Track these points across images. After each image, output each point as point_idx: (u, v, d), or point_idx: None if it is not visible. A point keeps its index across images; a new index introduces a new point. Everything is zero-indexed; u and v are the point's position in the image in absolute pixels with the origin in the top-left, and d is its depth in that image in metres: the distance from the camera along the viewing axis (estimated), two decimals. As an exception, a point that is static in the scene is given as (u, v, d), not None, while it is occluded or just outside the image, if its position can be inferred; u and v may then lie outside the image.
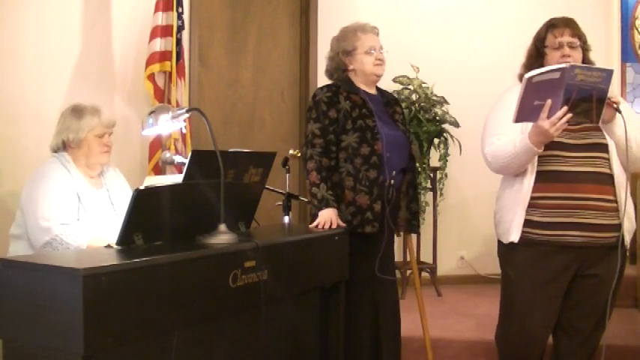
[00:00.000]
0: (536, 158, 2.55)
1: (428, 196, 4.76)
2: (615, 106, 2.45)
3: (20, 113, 3.38)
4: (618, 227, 2.51)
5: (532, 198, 2.56)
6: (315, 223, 2.79)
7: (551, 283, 2.59)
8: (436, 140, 4.72)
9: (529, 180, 2.56)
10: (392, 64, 4.74)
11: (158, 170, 3.66)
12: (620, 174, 2.53)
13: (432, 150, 4.74)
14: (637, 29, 5.47)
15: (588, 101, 2.37)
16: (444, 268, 5.03)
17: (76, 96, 3.39)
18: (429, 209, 4.78)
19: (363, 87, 3.01)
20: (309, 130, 2.92)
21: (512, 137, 2.54)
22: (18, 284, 1.86)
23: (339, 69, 3.03)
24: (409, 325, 3.37)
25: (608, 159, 2.53)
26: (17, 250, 2.72)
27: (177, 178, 2.71)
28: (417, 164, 4.62)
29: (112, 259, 1.95)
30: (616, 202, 2.52)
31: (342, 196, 2.86)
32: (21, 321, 1.84)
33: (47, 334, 1.79)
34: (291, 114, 4.92)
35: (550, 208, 2.54)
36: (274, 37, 4.85)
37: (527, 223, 2.57)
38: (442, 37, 5.14)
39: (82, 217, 2.72)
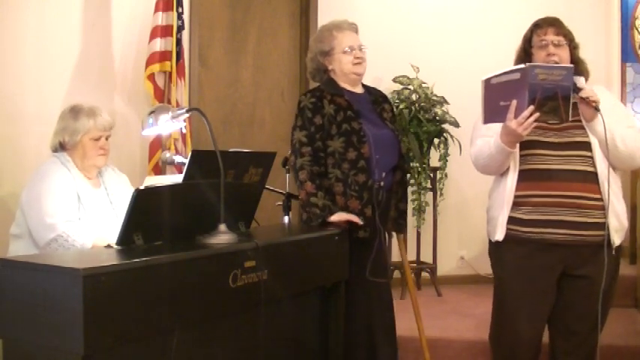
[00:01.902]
0: (518, 157, 2.59)
1: (428, 196, 4.76)
2: (594, 104, 2.46)
3: (20, 113, 3.38)
4: (605, 226, 2.51)
5: (516, 196, 2.59)
6: (335, 219, 2.75)
7: (537, 281, 2.60)
8: (436, 140, 4.72)
9: (512, 179, 2.60)
10: (392, 64, 4.80)
11: (158, 170, 3.66)
12: (606, 172, 2.52)
13: (432, 150, 4.74)
14: (637, 29, 5.47)
15: (554, 99, 2.39)
16: (444, 268, 5.03)
17: (76, 96, 3.39)
18: (429, 209, 4.79)
19: (346, 87, 2.96)
20: (295, 138, 2.86)
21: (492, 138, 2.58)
22: (18, 284, 1.86)
23: (319, 70, 2.99)
24: (409, 325, 3.37)
25: (592, 157, 2.54)
26: (17, 250, 2.72)
27: (177, 178, 2.71)
28: (417, 164, 4.64)
29: (112, 259, 1.95)
30: (602, 200, 2.52)
31: (333, 202, 2.81)
32: (21, 321, 1.84)
33: (47, 334, 1.79)
34: (291, 114, 4.85)
35: (534, 206, 2.56)
36: (274, 37, 4.85)
37: (513, 221, 2.60)
38: (442, 37, 5.15)
39: (82, 217, 2.72)
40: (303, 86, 4.92)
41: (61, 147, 2.83)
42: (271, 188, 3.01)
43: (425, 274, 4.89)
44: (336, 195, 2.83)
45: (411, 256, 4.63)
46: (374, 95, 3.05)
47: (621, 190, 2.63)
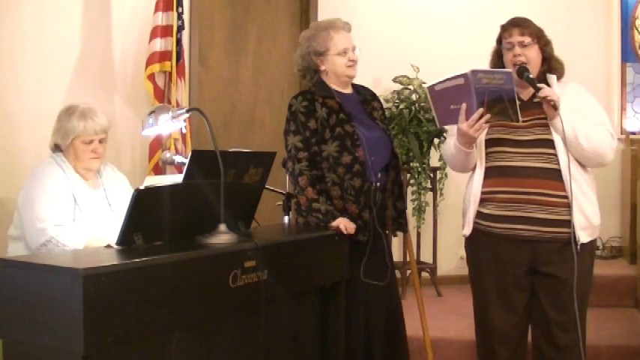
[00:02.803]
0: (483, 155, 2.67)
1: (428, 196, 4.76)
2: (552, 104, 2.50)
3: (20, 114, 3.38)
4: (570, 223, 2.53)
5: (483, 193, 2.67)
6: (335, 224, 2.74)
7: (506, 275, 2.65)
8: (436, 140, 4.72)
9: (479, 176, 2.69)
10: (392, 64, 4.80)
11: (158, 170, 3.66)
12: (571, 169, 2.53)
13: (432, 150, 4.74)
14: (637, 29, 5.47)
15: (501, 102, 2.48)
16: (444, 268, 5.03)
17: (76, 96, 3.39)
18: (429, 209, 4.78)
19: (337, 88, 2.92)
20: (290, 143, 2.81)
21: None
22: (18, 284, 1.86)
23: (310, 69, 2.94)
24: (409, 325, 3.37)
25: (555, 154, 2.56)
26: (16, 251, 2.72)
27: (177, 178, 2.71)
28: (417, 164, 4.64)
29: (112, 259, 1.95)
30: (567, 197, 2.54)
31: (331, 205, 2.79)
32: (21, 321, 1.84)
33: (47, 334, 1.79)
34: (291, 114, 4.91)
35: (500, 202, 2.62)
36: (274, 37, 4.85)
37: (481, 215, 2.67)
38: (442, 37, 5.14)
39: (77, 218, 2.71)
40: (303, 86, 4.92)
41: (56, 148, 2.82)
42: (271, 188, 3.01)
43: (425, 274, 4.88)
44: (333, 199, 2.81)
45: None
46: (362, 94, 3.01)
47: (593, 187, 2.64)
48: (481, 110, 2.49)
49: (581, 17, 5.32)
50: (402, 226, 3.05)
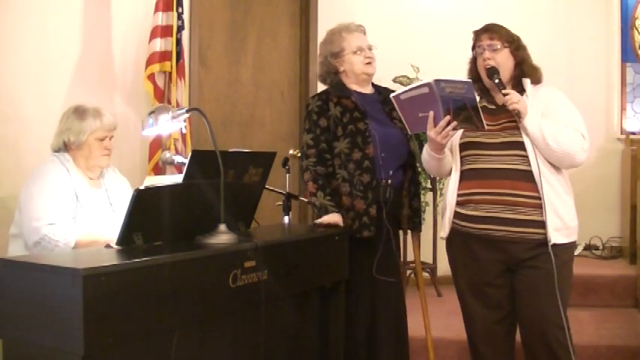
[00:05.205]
0: (458, 158, 2.72)
1: (428, 196, 4.76)
2: (515, 112, 2.54)
3: (20, 114, 3.38)
4: (543, 224, 2.54)
5: (459, 195, 2.70)
6: (320, 220, 2.82)
7: (483, 274, 2.67)
8: (436, 140, 4.71)
9: (454, 179, 2.73)
10: (392, 64, 4.79)
11: (158, 170, 3.66)
12: (542, 171, 2.55)
13: (432, 150, 4.73)
14: (637, 29, 5.47)
15: (466, 109, 2.53)
16: (444, 268, 4.99)
17: (76, 96, 3.39)
18: (429, 209, 4.79)
19: (356, 88, 3.00)
20: (303, 141, 2.96)
21: None
22: (18, 284, 1.86)
23: (330, 72, 3.03)
24: (409, 325, 3.37)
25: (526, 156, 2.58)
26: (16, 250, 2.73)
27: (177, 178, 2.71)
28: (417, 164, 4.64)
29: (112, 259, 1.95)
30: (540, 198, 2.55)
31: (340, 203, 2.87)
32: (21, 321, 1.85)
33: (47, 334, 1.79)
34: (291, 114, 4.92)
35: (475, 204, 2.64)
36: (274, 37, 4.85)
37: (458, 216, 2.70)
38: (442, 37, 5.14)
39: (79, 216, 2.73)
40: (303, 86, 4.93)
41: (64, 147, 2.84)
42: (271, 188, 3.02)
43: (425, 274, 4.88)
44: (342, 195, 2.88)
45: (412, 255, 4.63)
46: (383, 94, 3.08)
47: (567, 188, 2.65)
48: (448, 118, 2.54)
49: (581, 17, 5.32)
50: (417, 225, 3.11)
